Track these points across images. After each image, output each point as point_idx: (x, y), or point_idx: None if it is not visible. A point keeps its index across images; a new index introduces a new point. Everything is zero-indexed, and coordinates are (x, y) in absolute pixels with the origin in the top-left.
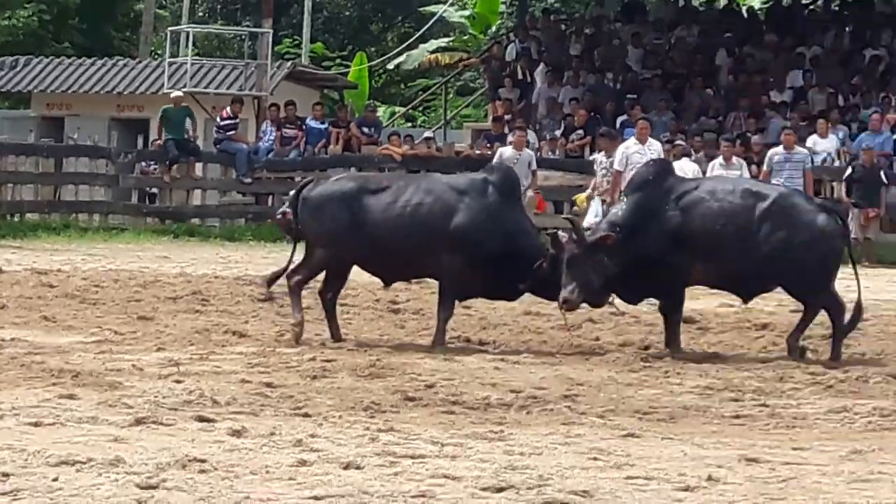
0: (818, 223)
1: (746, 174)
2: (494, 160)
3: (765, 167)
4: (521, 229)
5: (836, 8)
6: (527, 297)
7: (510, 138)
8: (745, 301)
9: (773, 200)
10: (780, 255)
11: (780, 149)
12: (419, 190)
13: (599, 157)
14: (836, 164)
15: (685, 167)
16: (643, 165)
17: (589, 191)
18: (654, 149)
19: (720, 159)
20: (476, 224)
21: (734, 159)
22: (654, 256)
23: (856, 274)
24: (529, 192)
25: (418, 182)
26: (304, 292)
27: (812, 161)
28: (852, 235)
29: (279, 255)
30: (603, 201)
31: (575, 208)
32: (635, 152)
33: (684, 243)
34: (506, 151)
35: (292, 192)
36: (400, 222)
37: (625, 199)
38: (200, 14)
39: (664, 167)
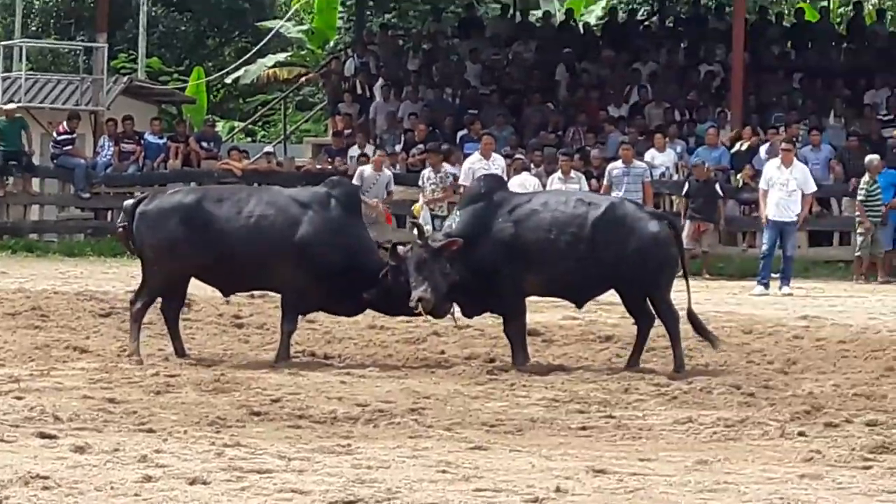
0: (650, 230)
1: (585, 188)
2: (354, 180)
3: (605, 181)
4: (362, 244)
5: (671, 24)
6: (371, 311)
7: (351, 152)
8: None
9: (605, 209)
10: (614, 261)
11: (618, 163)
12: (261, 202)
13: (427, 171)
14: (675, 177)
15: (526, 181)
16: (475, 180)
17: (422, 201)
18: (498, 164)
19: (559, 173)
20: (320, 237)
21: (573, 173)
22: (488, 269)
23: (686, 283)
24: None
25: (260, 194)
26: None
27: (651, 175)
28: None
29: (119, 270)
30: (435, 215)
31: (412, 219)
32: (480, 168)
33: (517, 255)
34: (366, 171)
35: (126, 207)
36: (243, 234)
37: (458, 213)
38: (34, 28)
39: (497, 181)
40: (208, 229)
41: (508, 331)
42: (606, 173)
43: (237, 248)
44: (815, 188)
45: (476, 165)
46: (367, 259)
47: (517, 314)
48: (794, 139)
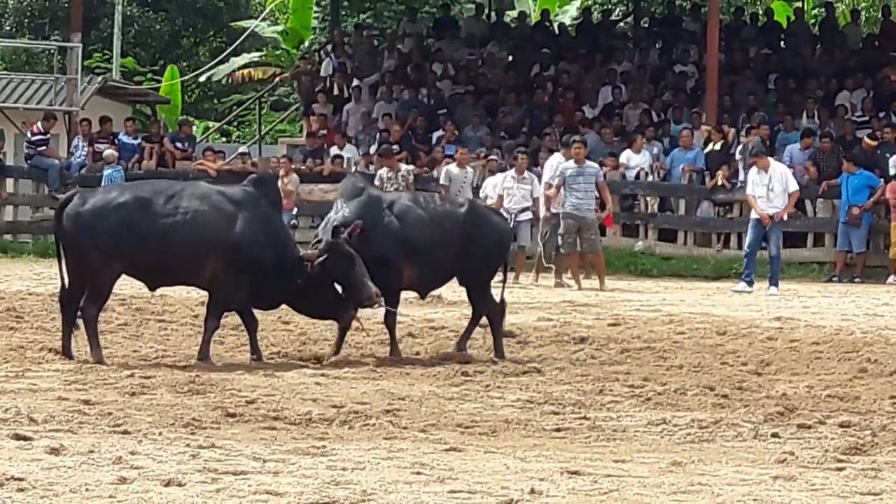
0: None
1: (538, 187)
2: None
3: (557, 181)
4: (285, 241)
5: (646, 25)
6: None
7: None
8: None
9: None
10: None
11: (571, 163)
12: (193, 197)
13: (384, 172)
14: (650, 178)
15: (500, 183)
16: (349, 176)
17: None
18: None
19: (512, 171)
20: (250, 235)
21: (526, 173)
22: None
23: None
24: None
25: (190, 190)
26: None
27: (605, 175)
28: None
29: None
30: None
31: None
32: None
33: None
34: (452, 169)
35: (60, 208)
36: (176, 229)
37: (342, 206)
38: (7, 28)
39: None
40: (144, 226)
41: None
42: (559, 173)
43: (170, 246)
44: (796, 187)
45: (453, 172)
46: (288, 256)
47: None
48: (765, 141)
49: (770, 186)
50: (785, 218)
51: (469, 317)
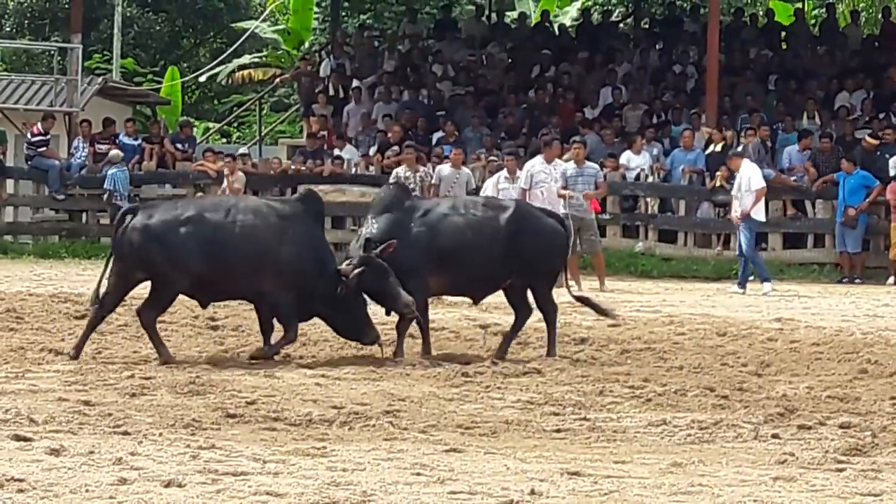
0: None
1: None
2: (433, 180)
3: (559, 182)
4: (327, 254)
5: (646, 26)
6: None
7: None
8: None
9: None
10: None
11: (571, 164)
12: (248, 212)
13: (400, 170)
14: (650, 179)
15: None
16: (383, 187)
17: None
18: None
19: (504, 172)
20: (300, 249)
21: (518, 172)
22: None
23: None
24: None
25: (244, 204)
26: (120, 309)
27: (605, 177)
28: None
29: (94, 272)
30: None
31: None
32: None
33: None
34: (444, 170)
35: (121, 218)
36: (236, 244)
37: (373, 220)
38: (7, 29)
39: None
40: (209, 242)
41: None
42: (559, 175)
43: (231, 259)
44: (761, 184)
45: (445, 171)
46: (328, 269)
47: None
48: (765, 141)
49: (739, 187)
50: (752, 215)
51: (511, 321)
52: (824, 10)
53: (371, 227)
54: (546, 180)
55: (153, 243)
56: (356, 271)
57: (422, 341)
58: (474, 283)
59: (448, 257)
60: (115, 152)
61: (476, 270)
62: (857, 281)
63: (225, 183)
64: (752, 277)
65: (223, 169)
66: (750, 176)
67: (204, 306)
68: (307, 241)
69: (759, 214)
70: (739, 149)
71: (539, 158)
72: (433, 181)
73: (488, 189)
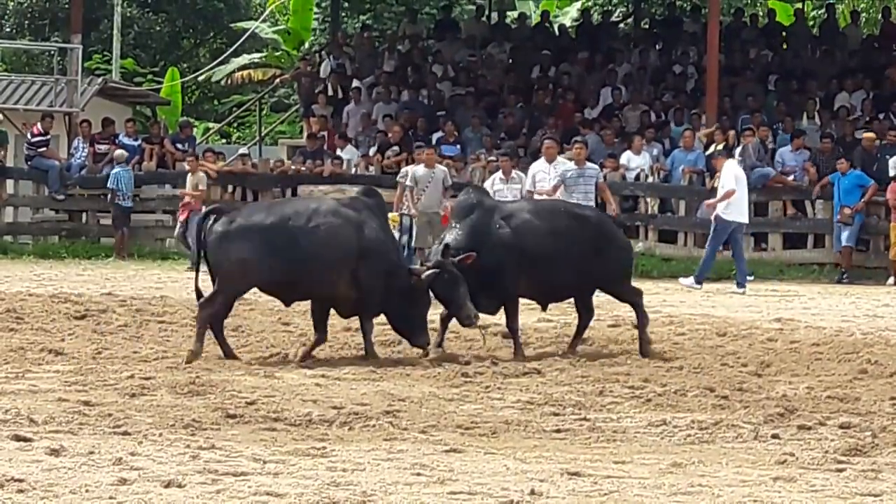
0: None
1: (527, 188)
2: (408, 181)
3: (555, 182)
4: (394, 249)
5: (646, 26)
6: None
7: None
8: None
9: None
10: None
11: (571, 164)
12: (325, 214)
13: (419, 169)
14: (650, 179)
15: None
16: (463, 192)
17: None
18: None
19: (499, 174)
20: (375, 245)
21: (513, 173)
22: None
23: None
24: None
25: (317, 206)
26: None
27: (605, 177)
28: None
29: (94, 273)
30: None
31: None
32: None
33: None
34: (418, 170)
35: (201, 221)
36: (317, 246)
37: (455, 226)
38: (7, 29)
39: (476, 194)
40: (290, 244)
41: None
42: (559, 174)
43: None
44: (730, 186)
45: (419, 173)
46: (395, 264)
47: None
48: (764, 142)
49: (723, 186)
50: (721, 215)
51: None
52: (824, 10)
53: (453, 232)
54: (545, 180)
55: (231, 246)
56: (429, 273)
57: (513, 346)
58: (554, 286)
59: (531, 260)
60: (119, 152)
61: (557, 274)
62: (845, 278)
63: (188, 181)
64: (751, 277)
65: (185, 167)
66: (725, 176)
67: (287, 305)
68: (380, 237)
69: (732, 215)
70: (739, 149)
71: (542, 159)
72: (408, 182)
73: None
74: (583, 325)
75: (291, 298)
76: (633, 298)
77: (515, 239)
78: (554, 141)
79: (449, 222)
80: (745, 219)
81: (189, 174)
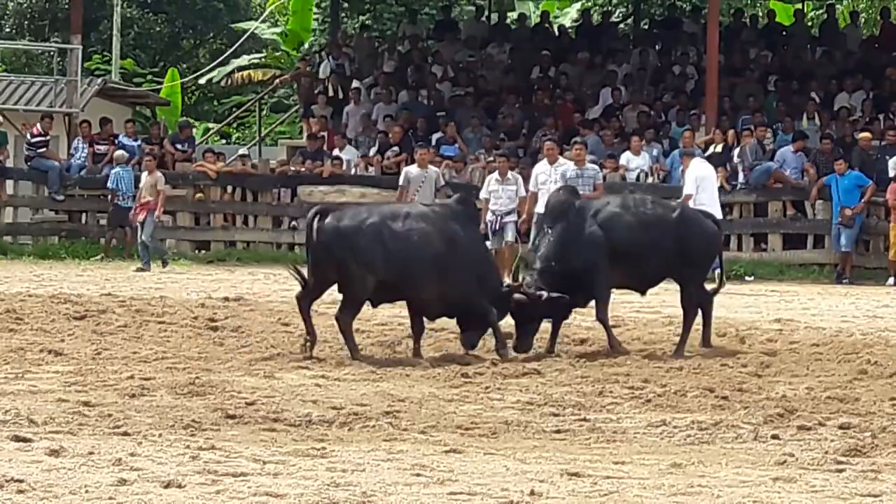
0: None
1: (522, 189)
2: (400, 181)
3: (559, 183)
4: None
5: (646, 26)
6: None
7: (320, 155)
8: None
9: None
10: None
11: (570, 165)
12: (420, 218)
13: (412, 168)
14: (650, 180)
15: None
16: (554, 192)
17: None
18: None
19: (495, 175)
20: (465, 250)
21: (510, 174)
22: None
23: None
24: None
25: (413, 210)
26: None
27: (605, 178)
28: None
29: (94, 273)
30: None
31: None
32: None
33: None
34: (412, 171)
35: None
36: (414, 247)
37: (547, 231)
38: (7, 30)
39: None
40: (392, 244)
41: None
42: (559, 175)
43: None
44: (688, 191)
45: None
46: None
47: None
48: (762, 142)
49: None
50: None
51: None
52: (823, 11)
53: (546, 236)
54: (547, 182)
55: (346, 246)
56: (523, 295)
57: (607, 339)
58: (644, 277)
59: (622, 253)
60: (119, 152)
61: (647, 266)
62: (844, 280)
63: (145, 181)
64: (751, 278)
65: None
66: (686, 178)
67: (375, 306)
68: (471, 244)
69: None
70: (738, 150)
71: (544, 161)
72: (401, 182)
73: (482, 194)
74: (700, 319)
75: (383, 299)
76: (688, 304)
77: (607, 235)
78: (554, 142)
79: (542, 224)
80: (716, 216)
81: (146, 174)
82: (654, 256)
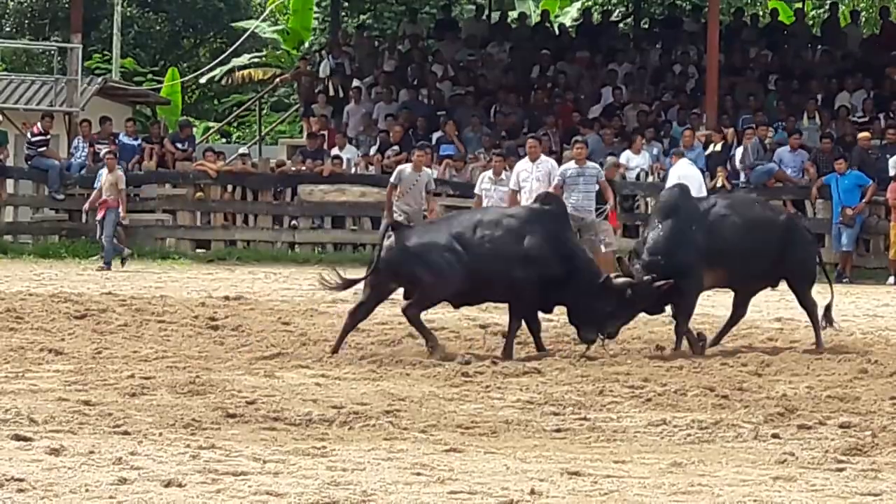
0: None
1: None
2: (392, 179)
3: (555, 181)
4: (572, 251)
5: (646, 25)
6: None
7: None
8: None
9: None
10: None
11: (572, 163)
12: (492, 226)
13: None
14: (650, 179)
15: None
16: (666, 190)
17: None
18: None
19: (489, 173)
20: (539, 251)
21: (503, 174)
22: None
23: None
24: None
25: (487, 217)
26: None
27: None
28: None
29: (94, 272)
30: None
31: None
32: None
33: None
34: (406, 170)
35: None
36: (486, 256)
37: (658, 225)
38: (8, 29)
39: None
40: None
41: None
42: (559, 174)
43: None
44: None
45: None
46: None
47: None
48: (763, 141)
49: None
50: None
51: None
52: (828, 9)
53: (655, 231)
54: (528, 179)
55: (415, 261)
56: (622, 280)
57: (689, 345)
58: (749, 279)
59: (727, 254)
60: (105, 152)
61: (753, 268)
62: (844, 280)
63: (105, 179)
64: None
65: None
66: (669, 177)
67: (456, 308)
68: (548, 242)
69: None
70: (741, 150)
71: (525, 159)
72: (392, 179)
73: (475, 190)
74: (732, 321)
75: (462, 303)
76: (808, 303)
77: (712, 235)
78: (537, 140)
79: (652, 219)
80: None
81: (106, 172)
82: (759, 256)
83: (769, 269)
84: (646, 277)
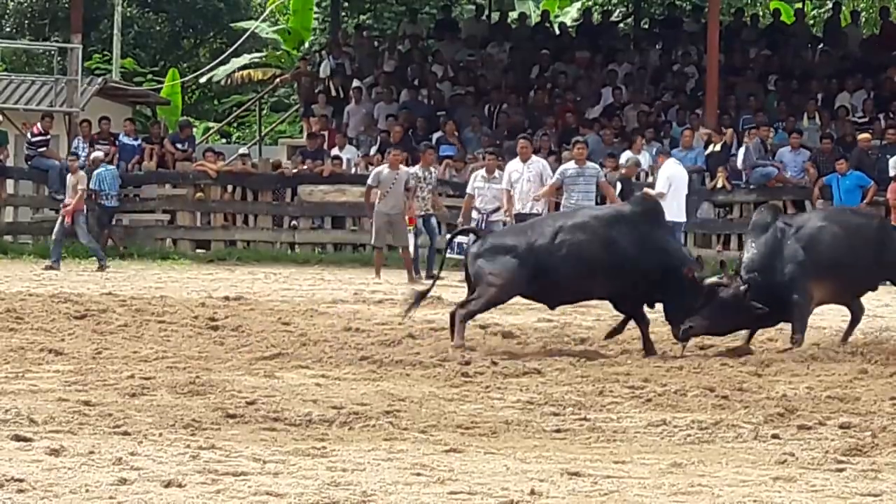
0: None
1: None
2: (370, 181)
3: (553, 180)
4: (663, 248)
5: (646, 26)
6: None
7: (318, 154)
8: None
9: None
10: None
11: (571, 164)
12: (575, 229)
13: (416, 169)
14: (650, 179)
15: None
16: (759, 210)
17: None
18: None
19: (482, 171)
20: (628, 250)
21: (497, 172)
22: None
23: None
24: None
25: (570, 221)
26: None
27: (605, 176)
28: None
29: (95, 273)
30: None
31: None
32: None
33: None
34: (383, 171)
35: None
36: (571, 257)
37: (751, 244)
38: (7, 29)
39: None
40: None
41: None
42: (559, 174)
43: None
44: (660, 188)
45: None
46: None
47: None
48: (764, 141)
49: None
50: None
51: None
52: (830, 9)
53: (750, 250)
54: (519, 180)
55: (485, 266)
56: (711, 280)
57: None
58: (852, 288)
59: (828, 267)
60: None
61: (854, 277)
62: None
63: (68, 182)
64: None
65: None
66: (658, 177)
67: (552, 308)
68: (638, 241)
69: (669, 215)
70: (742, 150)
71: (516, 159)
72: (370, 181)
73: (468, 189)
74: (853, 322)
75: (557, 303)
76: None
77: (808, 252)
78: (528, 141)
79: (747, 240)
80: (681, 218)
81: (69, 175)
82: (857, 265)
83: (872, 274)
84: (742, 288)
